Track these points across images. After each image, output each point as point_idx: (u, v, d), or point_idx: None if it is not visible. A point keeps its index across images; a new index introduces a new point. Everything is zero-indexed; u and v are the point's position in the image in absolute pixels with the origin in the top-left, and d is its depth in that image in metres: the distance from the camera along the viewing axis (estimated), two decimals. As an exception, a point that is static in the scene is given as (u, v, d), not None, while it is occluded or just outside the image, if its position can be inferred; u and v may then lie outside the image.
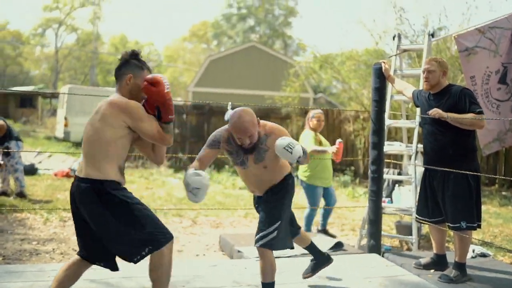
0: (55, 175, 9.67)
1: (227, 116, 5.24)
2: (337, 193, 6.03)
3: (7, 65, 45.85)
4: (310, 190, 5.30)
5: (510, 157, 10.09)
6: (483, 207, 8.29)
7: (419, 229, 4.96)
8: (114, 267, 2.66)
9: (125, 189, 2.59)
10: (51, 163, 11.37)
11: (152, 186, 9.22)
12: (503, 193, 9.51)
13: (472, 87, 4.79)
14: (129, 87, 2.60)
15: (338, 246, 4.64)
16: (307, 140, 5.14)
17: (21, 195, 7.16)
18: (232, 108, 4.98)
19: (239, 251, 4.52)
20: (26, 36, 45.03)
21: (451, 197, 3.70)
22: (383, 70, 4.44)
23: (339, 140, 5.15)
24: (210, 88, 14.14)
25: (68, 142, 15.33)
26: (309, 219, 5.36)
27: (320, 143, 5.29)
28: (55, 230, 5.54)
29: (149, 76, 2.60)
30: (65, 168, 10.26)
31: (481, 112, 3.64)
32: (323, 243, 4.67)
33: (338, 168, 10.11)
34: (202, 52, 43.33)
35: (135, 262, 2.52)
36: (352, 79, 9.89)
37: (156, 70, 44.53)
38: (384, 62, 4.53)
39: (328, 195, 5.44)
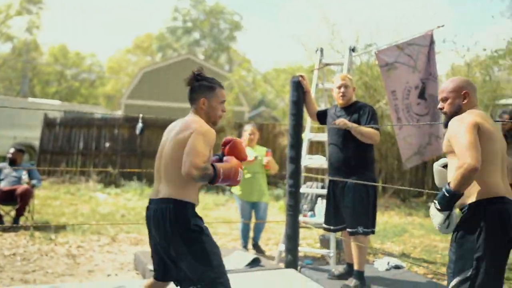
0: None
1: (138, 129, 5.10)
2: (269, 206, 6.03)
3: None
4: (239, 205, 5.59)
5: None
6: (409, 218, 8.60)
7: (339, 242, 4.95)
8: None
9: (201, 218, 2.60)
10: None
11: (77, 202, 8.79)
12: (429, 204, 9.79)
13: (394, 101, 4.88)
14: (204, 110, 2.67)
15: (255, 262, 4.52)
16: None
17: None
18: (143, 122, 4.82)
19: (151, 270, 4.29)
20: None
21: (351, 204, 3.90)
22: (301, 83, 4.43)
23: (267, 149, 5.40)
24: (143, 100, 13.79)
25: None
26: (243, 233, 5.56)
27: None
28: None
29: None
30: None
31: (378, 129, 3.92)
32: (241, 260, 4.56)
33: (272, 181, 10.07)
34: (147, 64, 42.76)
35: None
36: (286, 93, 9.94)
37: (98, 81, 43.38)
38: (301, 76, 4.51)
39: (257, 209, 5.56)
